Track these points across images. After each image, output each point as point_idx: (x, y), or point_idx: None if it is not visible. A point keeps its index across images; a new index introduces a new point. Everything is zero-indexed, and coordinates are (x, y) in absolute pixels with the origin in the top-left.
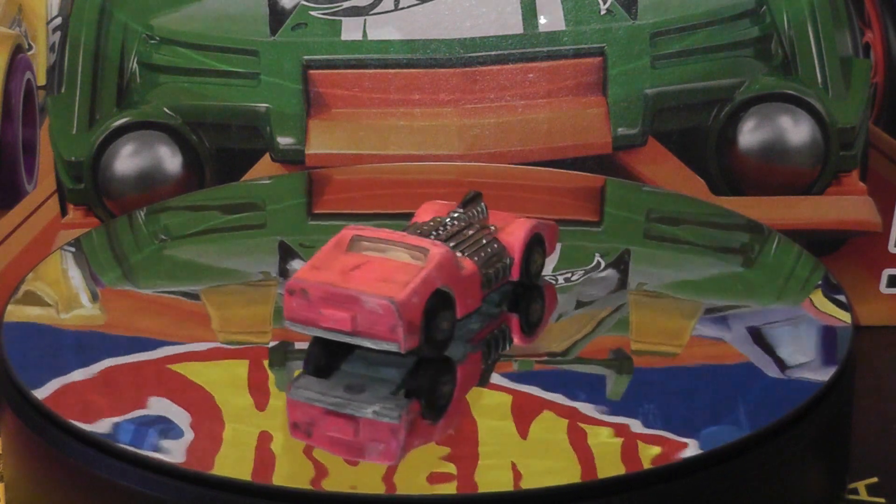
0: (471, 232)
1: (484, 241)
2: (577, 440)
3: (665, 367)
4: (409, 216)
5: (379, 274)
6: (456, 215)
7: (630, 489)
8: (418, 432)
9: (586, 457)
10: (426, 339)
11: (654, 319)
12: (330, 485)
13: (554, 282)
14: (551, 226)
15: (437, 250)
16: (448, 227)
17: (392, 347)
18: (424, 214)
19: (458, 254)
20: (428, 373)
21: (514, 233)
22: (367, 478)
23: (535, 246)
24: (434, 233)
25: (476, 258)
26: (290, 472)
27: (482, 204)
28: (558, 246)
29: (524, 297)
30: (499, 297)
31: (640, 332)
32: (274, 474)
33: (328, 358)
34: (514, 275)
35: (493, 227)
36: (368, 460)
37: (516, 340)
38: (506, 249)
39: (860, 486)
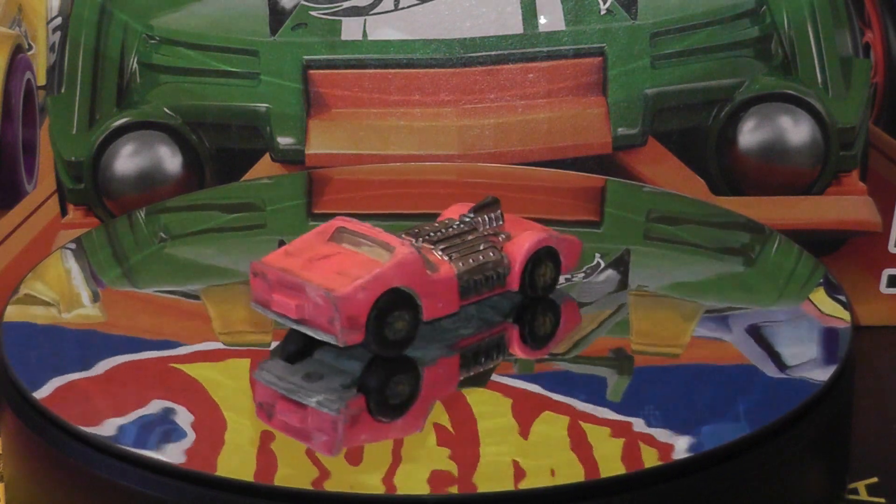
0: (470, 237)
1: (481, 247)
2: (578, 440)
3: (665, 367)
4: (408, 216)
5: (339, 266)
6: (468, 219)
7: (630, 489)
8: (364, 428)
9: (587, 456)
10: (377, 336)
11: (655, 320)
12: (330, 485)
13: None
14: (571, 241)
15: (402, 250)
16: (449, 230)
17: (331, 339)
18: (448, 215)
19: (445, 257)
20: (378, 370)
21: (519, 243)
22: (367, 478)
23: (545, 259)
24: (431, 234)
25: (461, 263)
26: (290, 473)
27: (498, 211)
28: None
29: (531, 309)
30: (509, 306)
31: (640, 333)
32: (275, 475)
33: (304, 344)
34: (514, 285)
35: (502, 235)
36: (313, 448)
37: (517, 352)
38: (506, 258)
39: (860, 486)
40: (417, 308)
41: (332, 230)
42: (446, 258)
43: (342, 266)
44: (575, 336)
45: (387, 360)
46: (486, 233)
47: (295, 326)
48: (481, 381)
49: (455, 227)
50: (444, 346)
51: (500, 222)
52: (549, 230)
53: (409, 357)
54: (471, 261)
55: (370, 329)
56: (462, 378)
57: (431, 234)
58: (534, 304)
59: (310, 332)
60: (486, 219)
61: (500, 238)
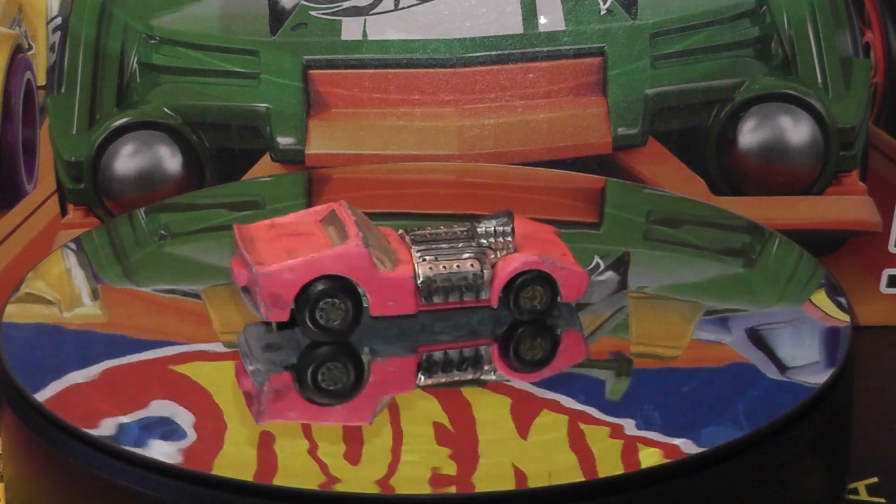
0: (461, 245)
1: (464, 257)
2: (577, 441)
3: (665, 368)
4: (409, 216)
5: (295, 247)
6: (468, 228)
7: (630, 489)
8: (297, 406)
9: (586, 457)
10: (307, 319)
11: (655, 321)
12: (331, 485)
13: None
14: (575, 273)
15: (351, 241)
16: (446, 234)
17: (259, 314)
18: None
19: (418, 257)
20: (318, 354)
21: (507, 261)
22: (367, 477)
23: (535, 283)
24: (425, 234)
25: (429, 267)
26: (290, 473)
27: (510, 226)
28: None
29: (518, 330)
30: (500, 324)
31: (640, 334)
32: (274, 475)
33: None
34: (492, 301)
35: (503, 251)
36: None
37: (492, 370)
38: (488, 273)
39: (860, 486)
40: (359, 299)
41: (326, 212)
42: (418, 259)
43: (297, 247)
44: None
45: (332, 346)
46: (485, 244)
47: (244, 296)
48: (430, 386)
49: (455, 232)
50: (410, 346)
51: (508, 237)
52: (559, 255)
53: (354, 348)
54: (443, 267)
55: (299, 310)
56: (416, 380)
57: (425, 234)
58: (541, 330)
59: (249, 304)
60: (491, 230)
61: (496, 252)
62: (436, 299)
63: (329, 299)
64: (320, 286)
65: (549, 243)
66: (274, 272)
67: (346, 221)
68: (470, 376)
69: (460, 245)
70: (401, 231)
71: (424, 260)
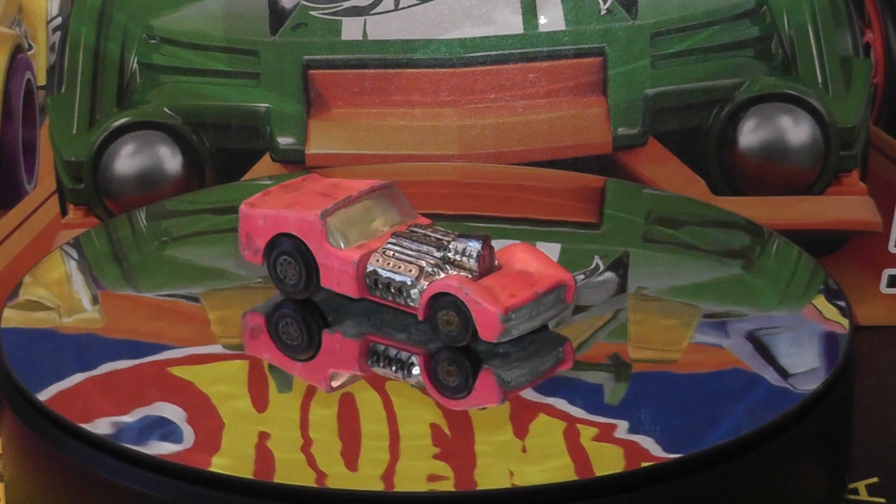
0: (426, 251)
1: (414, 262)
2: (575, 444)
3: (664, 367)
4: None
5: (295, 203)
6: (446, 239)
7: (629, 489)
8: (258, 347)
9: (585, 458)
10: (270, 269)
11: (654, 323)
12: (329, 482)
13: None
14: (488, 312)
15: (315, 211)
16: (421, 237)
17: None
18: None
19: (378, 248)
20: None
21: (438, 280)
22: (366, 476)
23: (450, 308)
24: (408, 231)
25: (378, 260)
26: (289, 471)
27: (477, 251)
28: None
29: (449, 352)
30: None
31: (639, 336)
32: (273, 473)
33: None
34: (419, 314)
35: (446, 270)
36: None
37: (411, 378)
38: (423, 286)
39: (860, 486)
40: (311, 266)
41: (367, 187)
42: (379, 250)
43: (298, 203)
44: (574, 340)
45: (300, 305)
46: (449, 258)
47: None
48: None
49: (439, 240)
50: (365, 331)
51: (472, 260)
52: (516, 291)
53: (324, 321)
54: (388, 264)
55: (267, 259)
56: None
57: (419, 232)
58: (464, 360)
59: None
60: (461, 249)
61: (449, 269)
62: (376, 292)
63: (286, 257)
64: (284, 243)
65: (523, 278)
66: (252, 215)
67: (352, 195)
68: (392, 376)
69: (425, 251)
70: (419, 225)
71: (384, 253)
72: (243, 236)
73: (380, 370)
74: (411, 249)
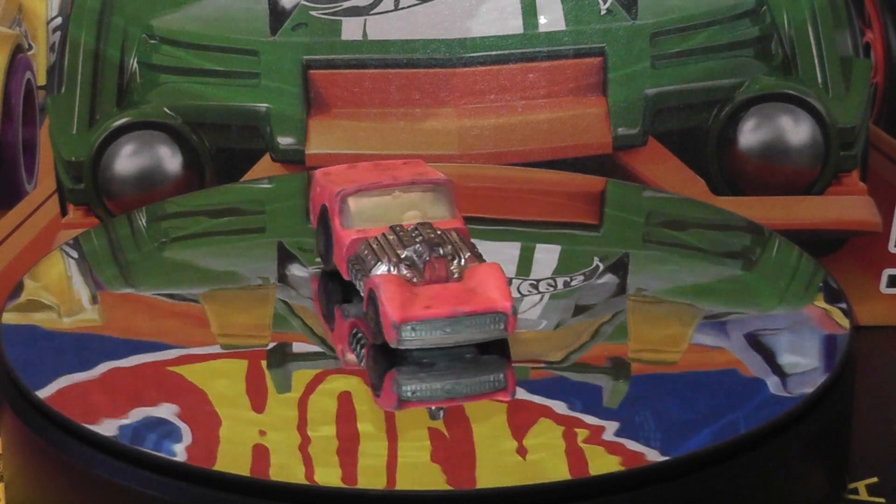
0: (399, 246)
1: (392, 261)
2: (575, 445)
3: (664, 368)
4: None
5: (354, 179)
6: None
7: (630, 489)
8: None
9: (584, 459)
10: (319, 233)
11: (653, 324)
12: (329, 481)
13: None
14: (386, 317)
15: (339, 189)
16: (425, 237)
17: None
18: None
19: (374, 237)
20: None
21: (374, 277)
22: (364, 476)
23: (371, 304)
24: (418, 230)
25: (366, 251)
26: (287, 470)
27: (429, 255)
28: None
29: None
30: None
31: (639, 335)
32: (272, 471)
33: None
34: (364, 305)
35: (402, 267)
36: None
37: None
38: (373, 283)
39: (860, 486)
40: (330, 240)
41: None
42: (372, 241)
43: (353, 179)
44: (573, 341)
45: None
46: (407, 256)
47: None
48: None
49: (415, 239)
50: (358, 313)
51: (422, 261)
52: (457, 304)
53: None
54: (370, 258)
55: (317, 226)
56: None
57: (411, 228)
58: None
59: None
60: (418, 250)
61: (397, 267)
62: (353, 277)
63: (322, 226)
64: (326, 214)
65: (459, 295)
66: (316, 182)
67: (383, 181)
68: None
69: (397, 249)
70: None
71: (369, 244)
72: (311, 200)
73: (350, 356)
74: (388, 244)
